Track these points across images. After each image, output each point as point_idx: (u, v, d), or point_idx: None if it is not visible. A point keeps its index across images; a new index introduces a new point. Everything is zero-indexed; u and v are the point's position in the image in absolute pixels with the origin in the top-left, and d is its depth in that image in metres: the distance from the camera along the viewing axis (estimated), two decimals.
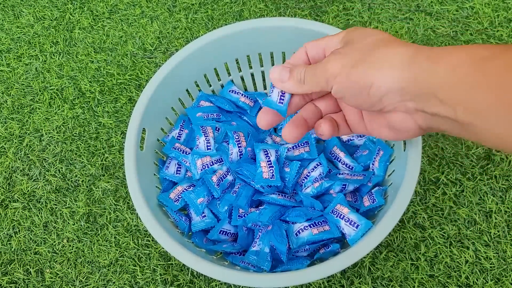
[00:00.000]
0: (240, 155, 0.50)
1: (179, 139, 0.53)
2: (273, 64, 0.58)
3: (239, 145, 0.49)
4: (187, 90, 0.55)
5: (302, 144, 0.51)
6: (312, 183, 0.48)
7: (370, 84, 0.27)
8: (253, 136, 0.53)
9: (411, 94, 0.26)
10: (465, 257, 0.51)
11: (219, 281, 0.53)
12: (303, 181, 0.49)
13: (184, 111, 0.56)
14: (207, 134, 0.51)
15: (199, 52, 0.51)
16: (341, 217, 0.43)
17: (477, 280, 0.50)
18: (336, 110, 0.35)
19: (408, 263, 0.52)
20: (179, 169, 0.52)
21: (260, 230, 0.47)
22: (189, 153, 0.51)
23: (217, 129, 0.53)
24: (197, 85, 0.56)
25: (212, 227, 0.49)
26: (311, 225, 0.44)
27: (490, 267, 0.51)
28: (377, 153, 0.49)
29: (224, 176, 0.48)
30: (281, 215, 0.46)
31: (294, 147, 0.51)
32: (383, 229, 0.37)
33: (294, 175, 0.48)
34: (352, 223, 0.42)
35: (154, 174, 0.51)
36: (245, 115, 0.57)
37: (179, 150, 0.51)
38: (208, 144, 0.50)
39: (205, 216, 0.48)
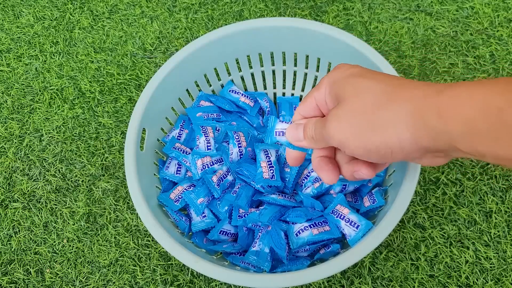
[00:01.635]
0: (240, 155, 0.50)
1: (179, 139, 0.53)
2: (273, 64, 0.58)
3: (239, 145, 0.49)
4: (187, 90, 0.55)
5: None
6: (312, 183, 0.48)
7: (379, 149, 0.25)
8: (253, 136, 0.53)
9: (426, 150, 0.24)
10: (465, 257, 0.51)
11: (219, 281, 0.53)
12: (303, 181, 0.49)
13: (184, 111, 0.56)
14: (207, 134, 0.51)
15: (199, 52, 0.51)
16: (341, 217, 0.43)
17: (477, 280, 0.50)
18: None
19: (408, 263, 0.52)
20: (179, 169, 0.52)
21: (260, 230, 0.47)
22: (189, 153, 0.51)
23: (217, 129, 0.53)
24: (197, 85, 0.56)
25: (212, 227, 0.49)
26: (311, 226, 0.44)
27: (490, 267, 0.51)
28: None
29: (224, 176, 0.48)
30: (281, 215, 0.46)
31: None
32: (383, 230, 0.37)
33: (294, 176, 0.48)
34: (353, 223, 0.42)
35: (154, 174, 0.51)
36: (245, 115, 0.57)
37: (180, 150, 0.51)
38: (208, 144, 0.50)
39: (205, 216, 0.48)
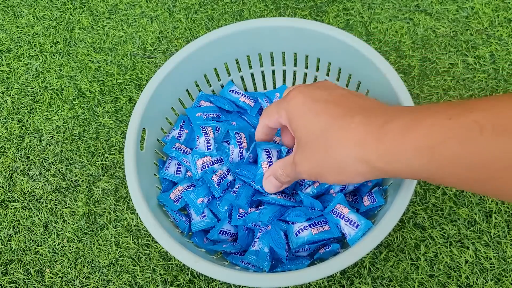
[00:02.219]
0: (240, 156, 0.50)
1: (179, 139, 0.53)
2: (273, 64, 0.57)
3: (240, 145, 0.49)
4: (187, 90, 0.55)
5: None
6: (312, 182, 0.48)
7: (339, 181, 0.30)
8: (253, 137, 0.53)
9: (383, 172, 0.28)
10: (465, 257, 0.51)
11: (219, 281, 0.53)
12: (303, 181, 0.49)
13: (184, 111, 0.56)
14: (207, 134, 0.51)
15: (199, 52, 0.51)
16: (341, 217, 0.43)
17: (477, 280, 0.50)
18: None
19: (408, 263, 0.52)
20: (179, 169, 0.52)
21: (260, 230, 0.47)
22: (189, 153, 0.51)
23: (217, 129, 0.53)
24: (197, 85, 0.56)
25: (212, 227, 0.49)
26: (311, 225, 0.44)
27: (490, 267, 0.51)
28: None
29: (225, 176, 0.48)
30: (281, 215, 0.46)
31: None
32: (383, 229, 0.37)
33: None
34: (352, 223, 0.42)
35: (154, 174, 0.51)
36: (245, 115, 0.57)
37: (180, 150, 0.51)
38: (208, 144, 0.50)
39: (205, 216, 0.48)
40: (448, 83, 0.62)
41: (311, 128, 0.30)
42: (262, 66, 0.57)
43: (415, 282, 0.51)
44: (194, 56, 0.51)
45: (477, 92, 0.61)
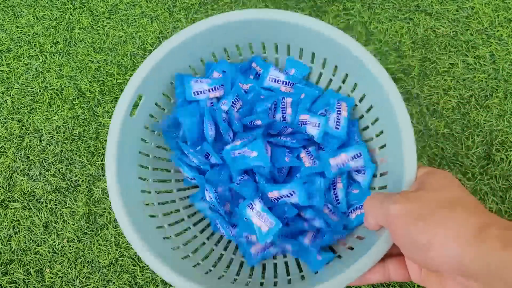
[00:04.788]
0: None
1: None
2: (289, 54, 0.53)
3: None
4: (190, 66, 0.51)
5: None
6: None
7: (428, 247, 0.25)
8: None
9: (474, 274, 0.23)
10: None
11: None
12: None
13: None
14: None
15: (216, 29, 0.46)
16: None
17: None
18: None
19: None
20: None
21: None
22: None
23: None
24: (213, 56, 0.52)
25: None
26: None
27: None
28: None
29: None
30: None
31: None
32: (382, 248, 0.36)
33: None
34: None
35: (139, 152, 0.47)
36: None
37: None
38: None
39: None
40: (448, 83, 0.62)
41: (441, 179, 0.30)
42: (277, 53, 0.53)
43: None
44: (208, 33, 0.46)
45: (477, 92, 0.61)
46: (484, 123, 0.59)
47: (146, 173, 0.48)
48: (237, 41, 0.50)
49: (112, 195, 0.40)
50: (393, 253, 0.34)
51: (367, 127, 0.48)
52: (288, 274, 0.45)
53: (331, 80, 0.51)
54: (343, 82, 0.49)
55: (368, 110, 0.47)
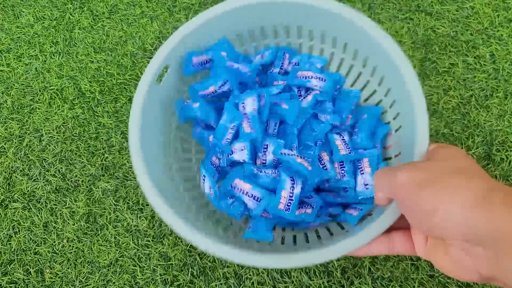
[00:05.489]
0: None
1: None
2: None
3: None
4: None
5: None
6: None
7: (433, 212, 0.25)
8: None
9: (479, 238, 0.23)
10: None
11: (219, 281, 0.53)
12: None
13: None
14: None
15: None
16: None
17: None
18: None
19: (408, 263, 0.52)
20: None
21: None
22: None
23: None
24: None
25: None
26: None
27: None
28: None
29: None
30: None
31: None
32: (388, 218, 0.36)
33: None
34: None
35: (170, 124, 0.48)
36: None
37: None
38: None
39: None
40: (449, 83, 0.62)
41: (449, 152, 0.30)
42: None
43: (415, 282, 0.51)
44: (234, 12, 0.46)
45: (477, 92, 0.61)
46: (484, 123, 0.59)
47: (167, 142, 0.48)
48: (264, 23, 0.50)
49: (135, 159, 0.40)
50: (400, 227, 0.34)
51: (385, 112, 0.49)
52: (295, 242, 0.45)
53: (352, 65, 0.51)
54: (364, 66, 0.50)
55: (386, 94, 0.47)
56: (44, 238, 0.59)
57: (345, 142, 0.47)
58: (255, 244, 0.43)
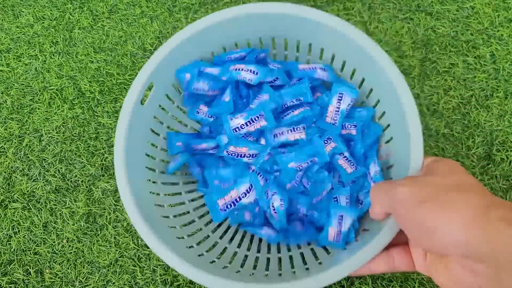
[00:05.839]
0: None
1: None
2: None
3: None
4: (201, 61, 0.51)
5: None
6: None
7: (434, 229, 0.25)
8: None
9: (480, 255, 0.23)
10: None
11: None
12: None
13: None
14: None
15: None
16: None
17: None
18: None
19: None
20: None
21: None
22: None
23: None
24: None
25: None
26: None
27: None
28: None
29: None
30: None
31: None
32: (386, 235, 0.35)
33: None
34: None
35: (151, 144, 0.49)
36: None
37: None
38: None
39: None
40: (449, 83, 0.62)
41: (448, 166, 0.30)
42: (286, 50, 0.54)
43: (415, 283, 0.51)
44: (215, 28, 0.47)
45: (477, 92, 0.61)
46: (485, 123, 0.59)
47: (153, 163, 0.49)
48: (249, 35, 0.50)
49: (121, 184, 0.41)
50: (398, 243, 0.34)
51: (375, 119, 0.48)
52: (293, 267, 0.44)
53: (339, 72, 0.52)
54: (351, 77, 0.50)
55: (375, 105, 0.47)
56: (43, 238, 0.59)
57: (347, 158, 0.47)
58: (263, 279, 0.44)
